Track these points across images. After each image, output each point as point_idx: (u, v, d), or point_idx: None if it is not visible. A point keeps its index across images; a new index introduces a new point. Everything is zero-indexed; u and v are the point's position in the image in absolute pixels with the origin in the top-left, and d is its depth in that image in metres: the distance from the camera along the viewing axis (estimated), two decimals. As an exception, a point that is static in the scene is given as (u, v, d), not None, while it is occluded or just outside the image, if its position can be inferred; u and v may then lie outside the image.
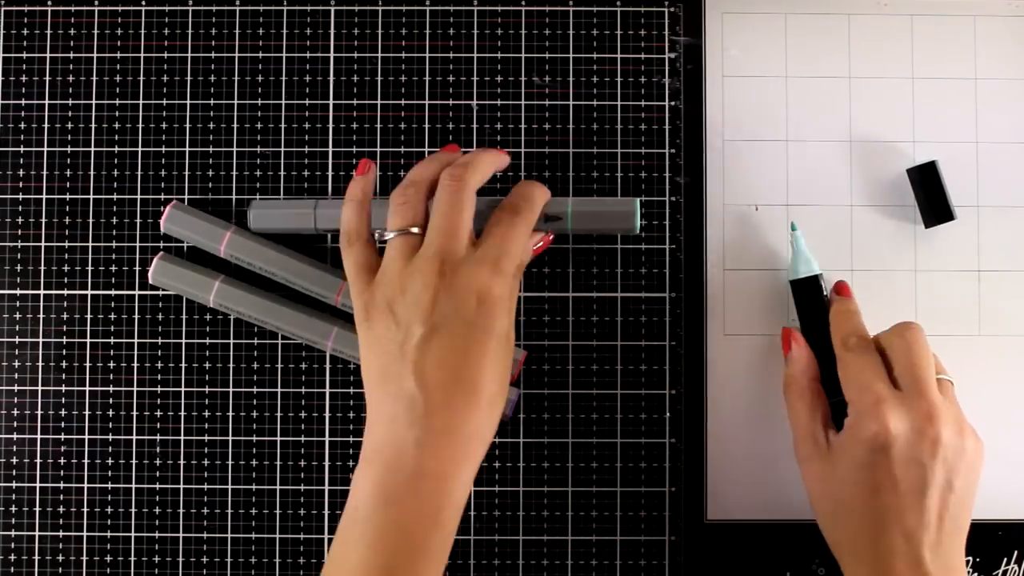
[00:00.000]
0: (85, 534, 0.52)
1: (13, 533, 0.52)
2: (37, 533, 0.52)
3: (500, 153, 0.50)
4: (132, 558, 0.52)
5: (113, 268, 0.53)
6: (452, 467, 0.42)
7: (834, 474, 0.45)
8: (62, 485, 0.52)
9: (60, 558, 0.51)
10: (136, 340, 0.52)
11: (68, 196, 0.53)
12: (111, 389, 0.52)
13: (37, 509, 0.52)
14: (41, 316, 0.52)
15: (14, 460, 0.52)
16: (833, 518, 0.45)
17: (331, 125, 0.53)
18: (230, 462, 0.52)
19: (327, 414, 0.52)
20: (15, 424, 0.52)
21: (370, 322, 0.45)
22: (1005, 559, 0.51)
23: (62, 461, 0.52)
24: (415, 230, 0.45)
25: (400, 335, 0.43)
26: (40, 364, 0.52)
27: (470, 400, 0.43)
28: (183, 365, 0.52)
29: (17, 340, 0.52)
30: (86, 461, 0.52)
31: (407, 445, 0.42)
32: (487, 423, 0.44)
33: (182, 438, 0.52)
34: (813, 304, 0.50)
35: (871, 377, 0.45)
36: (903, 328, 0.47)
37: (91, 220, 0.53)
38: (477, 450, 0.43)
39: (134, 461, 0.52)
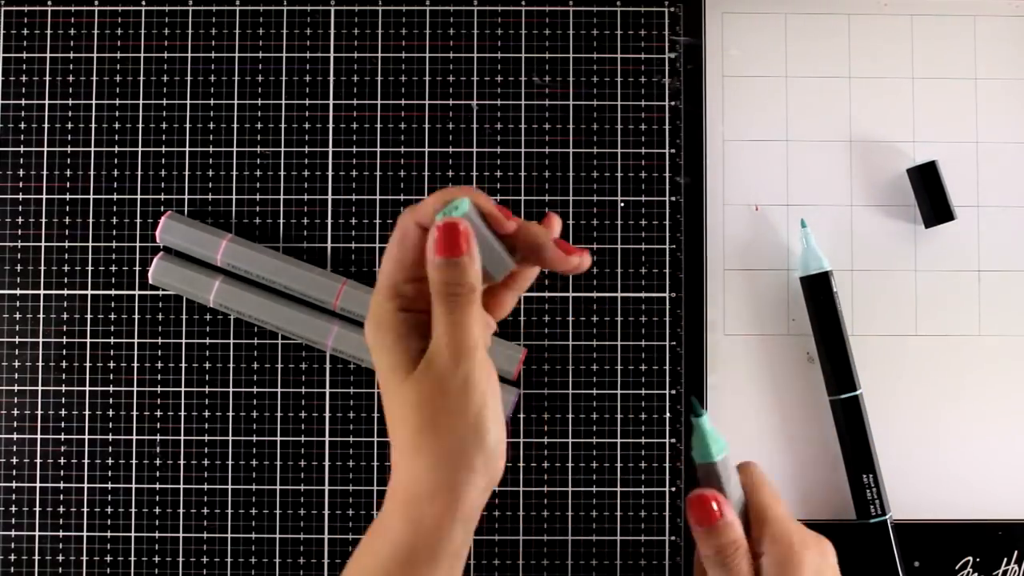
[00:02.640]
0: (85, 534, 0.52)
1: (13, 533, 0.52)
2: (37, 533, 0.52)
3: (460, 191, 0.39)
4: (132, 558, 0.52)
5: (113, 268, 0.53)
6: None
7: None
8: (62, 485, 0.52)
9: (60, 558, 0.51)
10: (136, 340, 0.52)
11: (68, 196, 0.53)
12: (111, 389, 0.52)
13: (37, 509, 0.52)
14: (41, 316, 0.52)
15: (14, 460, 0.52)
16: None
17: (331, 125, 0.53)
18: (230, 462, 0.52)
19: (327, 414, 0.52)
20: (15, 424, 0.52)
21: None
22: (1005, 559, 0.51)
23: (62, 461, 0.52)
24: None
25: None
26: (40, 364, 0.52)
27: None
28: (183, 365, 0.52)
29: (17, 340, 0.52)
30: (86, 461, 0.52)
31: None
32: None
33: (182, 438, 0.52)
34: (823, 300, 0.50)
35: (784, 511, 0.43)
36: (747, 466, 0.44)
37: (91, 220, 0.53)
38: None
39: (134, 461, 0.52)
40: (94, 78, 0.53)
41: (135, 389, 0.52)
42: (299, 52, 0.53)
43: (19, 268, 0.53)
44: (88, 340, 0.52)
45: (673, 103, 0.53)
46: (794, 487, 0.51)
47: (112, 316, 0.52)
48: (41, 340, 0.52)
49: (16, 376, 0.52)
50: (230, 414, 0.52)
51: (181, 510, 0.52)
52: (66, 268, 0.53)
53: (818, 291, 0.50)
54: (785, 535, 0.41)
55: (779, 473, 0.51)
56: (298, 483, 0.52)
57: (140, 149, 0.53)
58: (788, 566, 0.41)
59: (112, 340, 0.52)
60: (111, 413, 0.52)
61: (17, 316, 0.52)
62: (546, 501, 0.52)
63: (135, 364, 0.52)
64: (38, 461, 0.52)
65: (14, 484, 0.52)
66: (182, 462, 0.52)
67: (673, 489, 0.52)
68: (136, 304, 0.52)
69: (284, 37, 0.53)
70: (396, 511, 0.38)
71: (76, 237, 0.53)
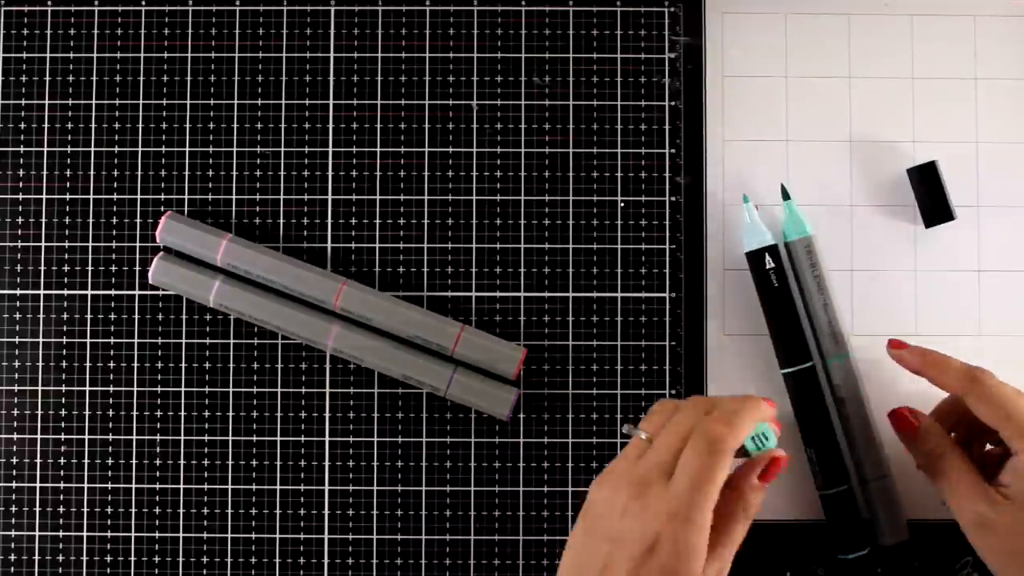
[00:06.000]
0: (85, 534, 0.52)
1: (13, 533, 0.52)
2: (37, 533, 0.52)
3: (767, 408, 0.44)
4: (132, 558, 0.52)
5: (113, 268, 0.53)
6: None
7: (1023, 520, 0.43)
8: (62, 485, 0.52)
9: (60, 558, 0.51)
10: (136, 340, 0.52)
11: (68, 196, 0.53)
12: (111, 389, 0.52)
13: (37, 509, 0.52)
14: (41, 316, 0.52)
15: (14, 460, 0.52)
16: None
17: (331, 125, 0.53)
18: (230, 462, 0.52)
19: (327, 414, 0.52)
20: (15, 424, 0.52)
21: (593, 488, 0.43)
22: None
23: (62, 461, 0.52)
24: (644, 436, 0.44)
25: (594, 526, 0.42)
26: (40, 364, 0.52)
27: None
28: (183, 365, 0.52)
29: (17, 340, 0.52)
30: (86, 461, 0.52)
31: None
32: None
33: (182, 438, 0.52)
34: (761, 275, 0.50)
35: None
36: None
37: (91, 220, 0.53)
38: None
39: (134, 461, 0.52)
40: (94, 78, 0.53)
41: (135, 389, 0.52)
42: (299, 52, 0.53)
43: (19, 268, 0.53)
44: (88, 340, 0.52)
45: (673, 103, 0.53)
46: (793, 487, 0.51)
47: (112, 316, 0.52)
48: (41, 340, 0.52)
49: (16, 376, 0.52)
50: (230, 414, 0.52)
51: (181, 510, 0.52)
52: (66, 268, 0.53)
53: (758, 265, 0.50)
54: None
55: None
56: (298, 483, 0.52)
57: (140, 149, 0.53)
58: None
59: (112, 340, 0.52)
60: (111, 413, 0.52)
61: (17, 316, 0.52)
62: (546, 501, 0.52)
63: (135, 364, 0.52)
64: (38, 461, 0.52)
65: (14, 484, 0.52)
66: (182, 462, 0.52)
67: (673, 489, 0.52)
68: (136, 304, 0.52)
69: (284, 37, 0.53)
70: None
71: (76, 237, 0.53)
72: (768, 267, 0.50)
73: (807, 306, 0.50)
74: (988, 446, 0.48)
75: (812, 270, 0.50)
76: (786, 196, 0.51)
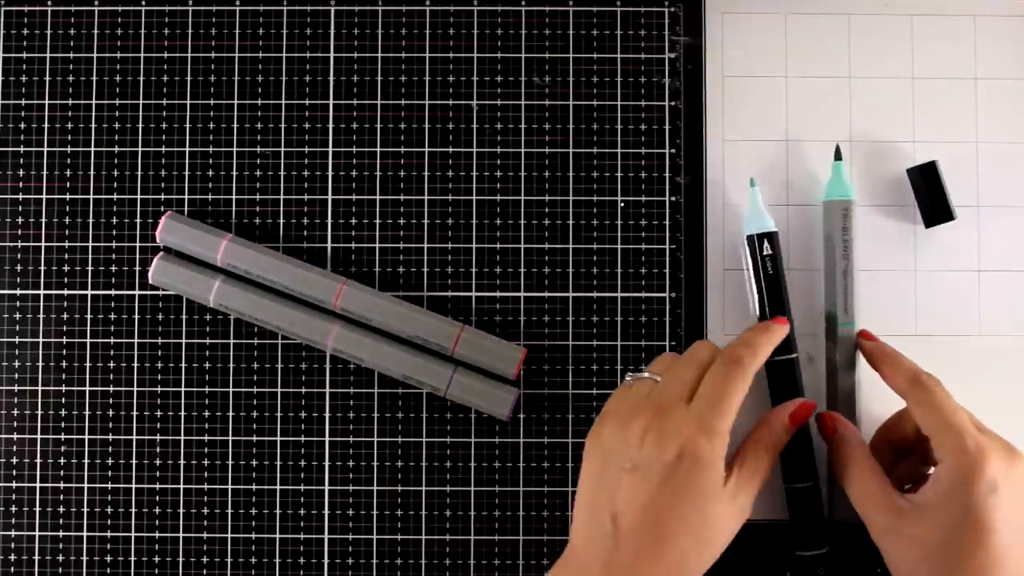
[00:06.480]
0: (85, 534, 0.52)
1: (13, 533, 0.52)
2: (37, 533, 0.52)
3: (780, 327, 0.48)
4: (132, 558, 0.52)
5: (113, 268, 0.53)
6: None
7: (932, 532, 0.42)
8: (62, 485, 0.52)
9: (60, 558, 0.51)
10: (136, 340, 0.52)
11: (68, 196, 0.53)
12: (111, 389, 0.52)
13: (37, 509, 0.52)
14: (41, 316, 0.52)
15: (14, 460, 0.52)
16: None
17: (331, 125, 0.53)
18: (230, 462, 0.52)
19: (327, 414, 0.52)
20: (15, 424, 0.52)
21: (597, 429, 0.45)
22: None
23: (62, 461, 0.52)
24: (658, 379, 0.46)
25: (606, 462, 0.43)
26: (40, 364, 0.52)
27: (656, 552, 0.41)
28: (183, 365, 0.52)
29: (17, 340, 0.52)
30: (86, 461, 0.52)
31: (592, 566, 0.42)
32: (679, 574, 0.42)
33: (182, 438, 0.52)
34: (759, 260, 0.50)
35: (963, 418, 0.43)
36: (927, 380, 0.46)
37: (91, 220, 0.53)
38: None
39: (134, 461, 0.52)
40: (94, 78, 0.53)
41: (135, 389, 0.52)
42: (299, 52, 0.53)
43: (19, 268, 0.53)
44: (88, 340, 0.52)
45: (673, 103, 0.53)
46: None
47: (112, 316, 0.52)
48: (41, 340, 0.52)
49: (16, 376, 0.52)
50: (230, 414, 0.52)
51: (181, 510, 0.52)
52: (66, 268, 0.53)
53: (756, 250, 0.50)
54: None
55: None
56: (298, 483, 0.52)
57: (140, 149, 0.53)
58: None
59: (112, 340, 0.52)
60: (111, 413, 0.52)
61: (17, 316, 0.52)
62: (546, 501, 0.52)
63: (135, 364, 0.52)
64: (38, 461, 0.52)
65: (14, 484, 0.52)
66: (182, 462, 0.52)
67: (673, 489, 0.52)
68: (136, 304, 0.52)
69: (284, 37, 0.53)
70: None
71: (76, 237, 0.53)
72: (766, 253, 0.50)
73: (829, 266, 0.51)
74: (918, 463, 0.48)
75: (843, 234, 0.50)
76: (838, 157, 0.51)
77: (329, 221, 0.53)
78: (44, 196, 0.53)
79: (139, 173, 0.53)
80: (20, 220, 0.53)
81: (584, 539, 0.43)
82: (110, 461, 0.52)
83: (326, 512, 0.52)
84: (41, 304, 0.52)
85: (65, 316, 0.52)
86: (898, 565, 0.44)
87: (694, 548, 0.42)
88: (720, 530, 0.43)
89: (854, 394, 0.50)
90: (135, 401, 0.52)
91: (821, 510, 0.49)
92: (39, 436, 0.52)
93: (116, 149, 0.53)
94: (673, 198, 0.53)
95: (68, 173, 0.53)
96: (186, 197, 0.53)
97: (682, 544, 0.42)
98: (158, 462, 0.52)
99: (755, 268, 0.50)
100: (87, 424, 0.52)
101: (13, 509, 0.52)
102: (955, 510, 0.42)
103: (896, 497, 0.44)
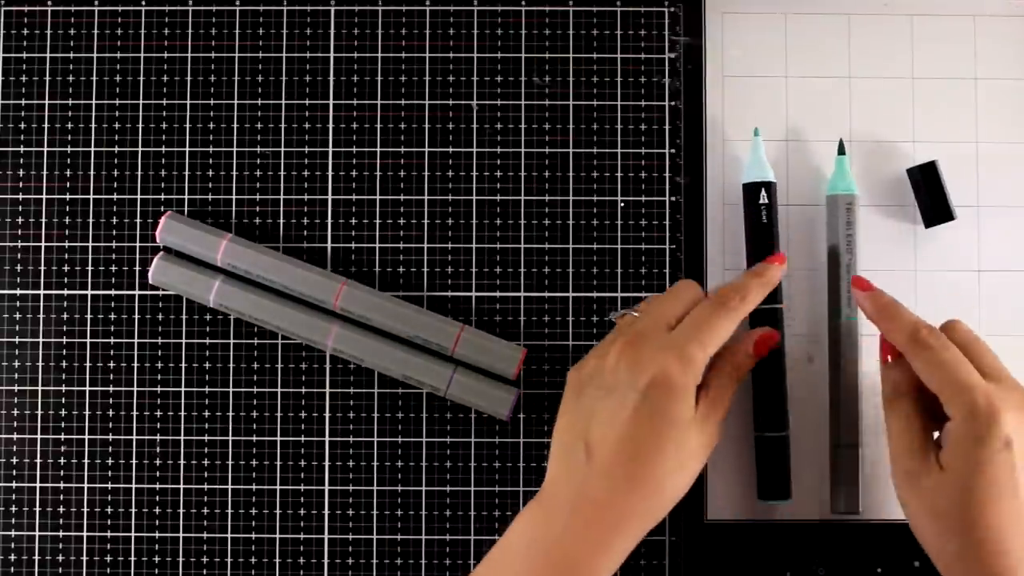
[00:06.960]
0: (85, 534, 0.52)
1: (13, 533, 0.52)
2: (37, 533, 0.52)
3: (774, 269, 0.48)
4: (132, 558, 0.52)
5: (113, 268, 0.53)
6: (599, 539, 0.41)
7: (943, 489, 0.41)
8: (62, 485, 0.52)
9: (60, 558, 0.51)
10: (136, 340, 0.52)
11: (68, 196, 0.53)
12: (111, 389, 0.52)
13: (37, 509, 0.52)
14: (41, 316, 0.52)
15: (14, 460, 0.52)
16: (947, 536, 0.41)
17: (331, 125, 0.53)
18: (230, 462, 0.52)
19: (327, 414, 0.52)
20: (15, 424, 0.52)
21: (578, 364, 0.46)
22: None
23: (62, 461, 0.52)
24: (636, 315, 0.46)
25: (582, 391, 0.44)
26: (40, 364, 0.52)
27: (630, 482, 0.41)
28: (183, 365, 0.52)
29: (17, 340, 0.52)
30: (86, 461, 0.52)
31: (563, 503, 0.42)
32: (652, 505, 0.42)
33: (182, 438, 0.52)
34: (753, 210, 0.50)
35: (969, 371, 0.42)
36: (954, 324, 0.45)
37: (91, 220, 0.53)
38: (633, 528, 0.42)
39: (134, 461, 0.52)
40: (94, 78, 0.53)
41: (135, 389, 0.52)
42: (299, 52, 0.53)
43: (19, 268, 0.53)
44: (88, 340, 0.52)
45: (673, 103, 0.53)
46: (794, 486, 0.51)
47: (112, 316, 0.52)
48: (41, 340, 0.52)
49: (16, 376, 0.52)
50: (230, 414, 0.52)
51: (181, 510, 0.52)
52: (66, 268, 0.53)
53: (752, 199, 0.50)
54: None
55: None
56: (298, 483, 0.52)
57: (140, 149, 0.53)
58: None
59: (112, 340, 0.52)
60: (111, 413, 0.52)
61: (17, 316, 0.52)
62: (546, 501, 0.52)
63: (135, 364, 0.52)
64: (38, 461, 0.52)
65: (14, 484, 0.52)
66: (182, 462, 0.52)
67: (673, 489, 0.52)
68: (136, 304, 0.52)
69: (284, 37, 0.53)
70: None
71: (76, 237, 0.53)
72: (761, 202, 0.50)
73: (833, 257, 0.51)
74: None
75: (846, 228, 0.50)
76: (842, 151, 0.51)
77: (329, 221, 0.53)
78: (44, 196, 0.53)
79: (139, 173, 0.53)
80: (20, 220, 0.53)
81: (557, 472, 0.43)
82: (110, 461, 0.52)
83: (326, 512, 0.52)
84: (41, 304, 0.52)
85: (65, 316, 0.52)
86: (917, 514, 0.43)
87: (668, 477, 0.42)
88: (693, 456, 0.43)
89: (856, 390, 0.50)
90: (135, 401, 0.52)
91: (787, 461, 0.50)
92: (39, 436, 0.52)
93: (116, 149, 0.53)
94: (673, 198, 0.53)
95: (68, 173, 0.53)
96: (186, 197, 0.53)
97: (657, 472, 0.42)
98: (158, 462, 0.52)
99: (748, 216, 0.50)
100: (87, 424, 0.52)
101: (13, 509, 0.52)
102: (966, 469, 0.40)
103: (927, 446, 0.43)
